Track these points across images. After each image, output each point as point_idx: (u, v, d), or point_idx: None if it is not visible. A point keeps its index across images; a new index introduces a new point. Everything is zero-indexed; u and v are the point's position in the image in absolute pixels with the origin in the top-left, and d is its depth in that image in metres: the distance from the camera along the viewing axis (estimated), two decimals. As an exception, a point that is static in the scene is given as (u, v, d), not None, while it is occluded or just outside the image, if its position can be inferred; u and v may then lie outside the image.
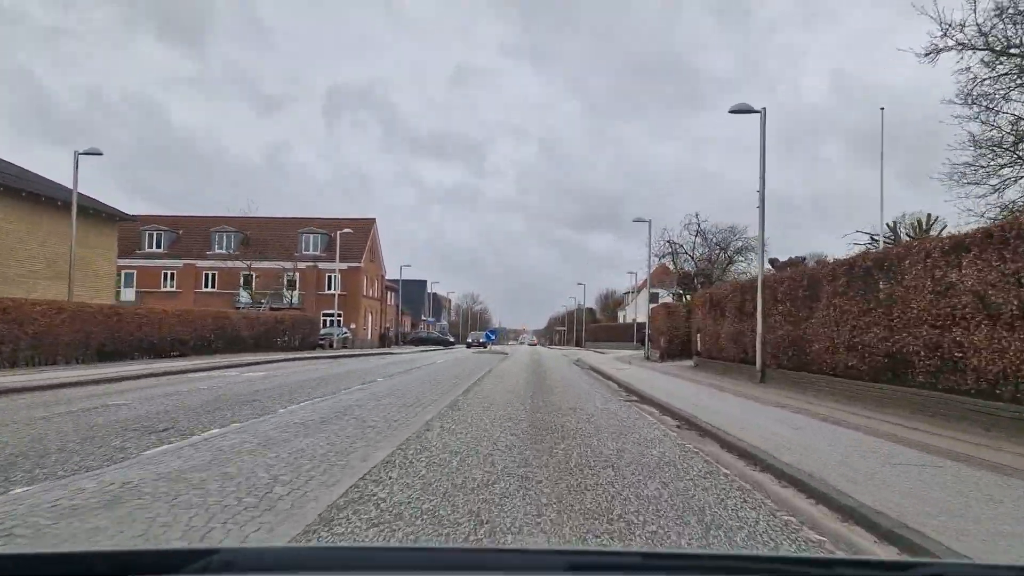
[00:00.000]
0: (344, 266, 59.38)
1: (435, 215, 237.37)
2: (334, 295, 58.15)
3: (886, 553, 4.82)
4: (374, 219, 65.06)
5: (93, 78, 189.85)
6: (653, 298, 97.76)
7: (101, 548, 3.96)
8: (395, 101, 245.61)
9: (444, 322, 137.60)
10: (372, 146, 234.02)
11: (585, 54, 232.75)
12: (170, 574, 1.44)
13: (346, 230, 56.71)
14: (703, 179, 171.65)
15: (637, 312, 73.24)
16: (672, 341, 35.79)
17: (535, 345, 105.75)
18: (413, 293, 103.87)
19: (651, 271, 45.37)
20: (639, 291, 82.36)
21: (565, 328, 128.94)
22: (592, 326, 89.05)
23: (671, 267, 48.27)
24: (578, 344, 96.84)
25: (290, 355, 34.95)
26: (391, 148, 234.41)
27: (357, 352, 44.56)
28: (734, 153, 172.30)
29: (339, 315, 58.87)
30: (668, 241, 47.40)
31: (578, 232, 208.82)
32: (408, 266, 69.58)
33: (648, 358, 39.58)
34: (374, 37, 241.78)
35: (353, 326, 58.99)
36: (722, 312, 24.20)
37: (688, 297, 42.20)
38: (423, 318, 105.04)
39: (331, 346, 48.62)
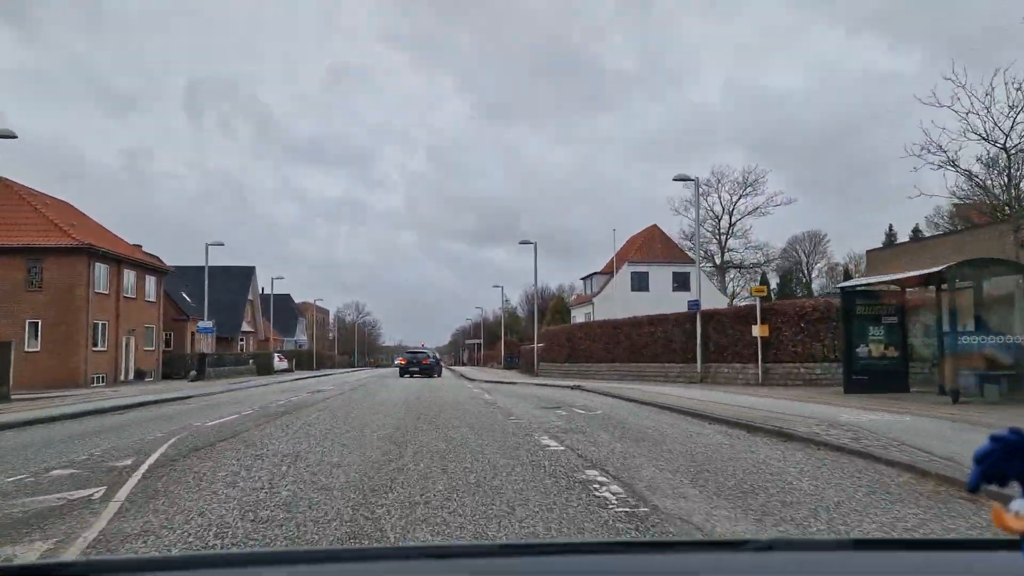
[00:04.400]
0: None
1: (320, 230, 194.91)
2: None
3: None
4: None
5: None
6: (592, 281, 57.85)
7: None
8: (267, 101, 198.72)
9: (302, 336, 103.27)
10: (245, 154, 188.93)
11: (475, 48, 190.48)
12: None
13: None
14: (606, 184, 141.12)
15: (695, 287, 31.17)
16: None
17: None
18: (234, 292, 61.01)
19: None
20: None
21: (481, 341, 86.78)
22: (551, 330, 45.66)
23: None
24: (528, 369, 54.84)
25: None
26: (266, 156, 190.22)
27: None
28: (634, 158, 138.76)
29: None
30: None
31: (475, 246, 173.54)
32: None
33: None
34: (236, 24, 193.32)
35: None
36: None
37: None
38: (243, 328, 61.64)
39: None
